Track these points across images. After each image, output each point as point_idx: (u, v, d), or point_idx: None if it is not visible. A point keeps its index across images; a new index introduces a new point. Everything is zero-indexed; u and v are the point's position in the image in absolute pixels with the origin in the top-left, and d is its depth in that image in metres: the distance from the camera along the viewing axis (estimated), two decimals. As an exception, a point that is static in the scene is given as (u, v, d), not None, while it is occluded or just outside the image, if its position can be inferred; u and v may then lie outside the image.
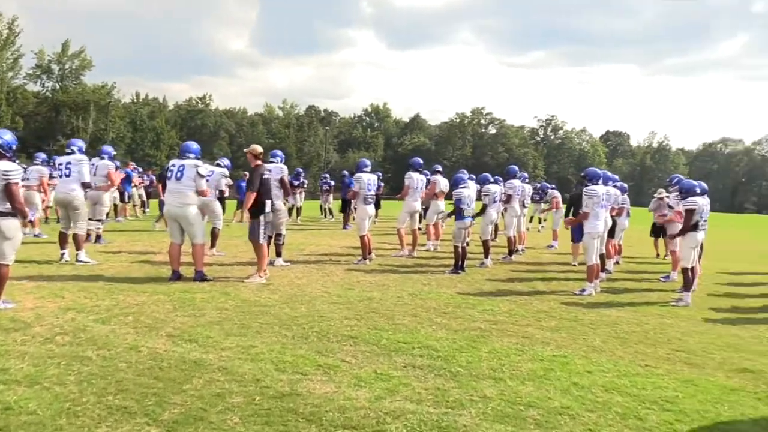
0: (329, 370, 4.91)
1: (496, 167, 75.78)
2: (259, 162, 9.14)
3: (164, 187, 9.89)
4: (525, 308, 7.90)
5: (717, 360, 5.93)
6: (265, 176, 9.08)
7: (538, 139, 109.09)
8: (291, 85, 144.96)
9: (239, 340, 5.67)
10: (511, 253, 13.08)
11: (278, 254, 10.52)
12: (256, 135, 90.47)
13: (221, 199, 22.64)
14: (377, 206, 22.23)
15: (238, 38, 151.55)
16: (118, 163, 21.47)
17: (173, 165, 8.66)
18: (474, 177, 14.03)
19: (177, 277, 8.52)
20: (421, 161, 13.57)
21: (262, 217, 8.92)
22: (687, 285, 8.85)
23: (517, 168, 14.45)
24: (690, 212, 8.90)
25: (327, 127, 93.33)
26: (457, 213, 10.82)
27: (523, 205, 14.46)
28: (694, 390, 4.97)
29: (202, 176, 8.53)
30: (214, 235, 11.68)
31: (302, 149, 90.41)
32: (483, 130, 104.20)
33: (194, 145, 8.93)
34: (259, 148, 9.42)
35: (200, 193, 8.57)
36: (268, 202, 9.00)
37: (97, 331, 5.73)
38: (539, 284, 9.96)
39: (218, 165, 12.25)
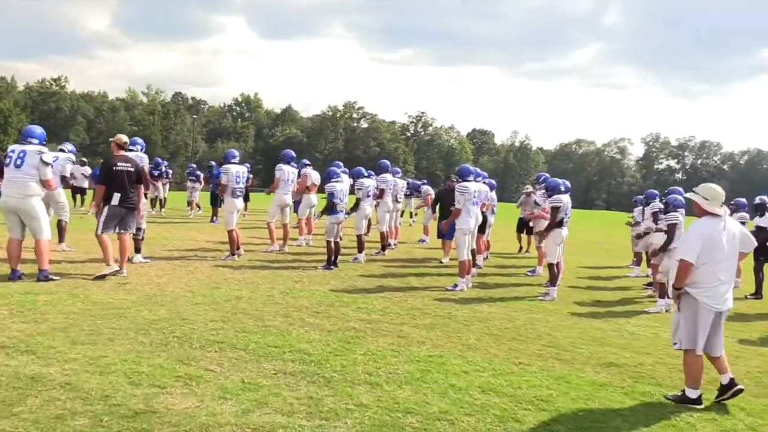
0: (191, 381, 4.45)
1: (368, 161, 76.30)
2: (121, 152, 8.58)
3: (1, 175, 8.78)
4: (399, 305, 7.75)
5: (585, 355, 6.05)
6: (117, 167, 8.40)
7: (409, 134, 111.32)
8: (157, 71, 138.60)
9: (87, 349, 5.03)
10: (384, 248, 13.01)
11: (137, 250, 9.71)
12: (117, 121, 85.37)
13: (78, 189, 21.06)
14: (246, 199, 21.50)
15: (98, 17, 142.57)
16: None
17: (12, 151, 7.68)
18: (347, 170, 13.80)
19: (17, 276, 7.58)
20: (294, 154, 13.10)
21: (106, 208, 8.36)
22: (553, 280, 9.11)
23: (389, 162, 14.39)
24: (555, 209, 9.16)
25: (195, 116, 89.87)
26: (330, 207, 10.54)
27: (396, 200, 14.45)
28: (566, 387, 5.00)
29: (46, 164, 7.62)
30: (61, 228, 10.62)
31: (168, 137, 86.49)
32: (355, 124, 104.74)
33: (38, 130, 7.98)
34: (123, 138, 8.82)
35: (44, 183, 7.67)
36: (116, 195, 8.35)
37: None
38: (413, 280, 9.90)
39: (62, 150, 11.11)
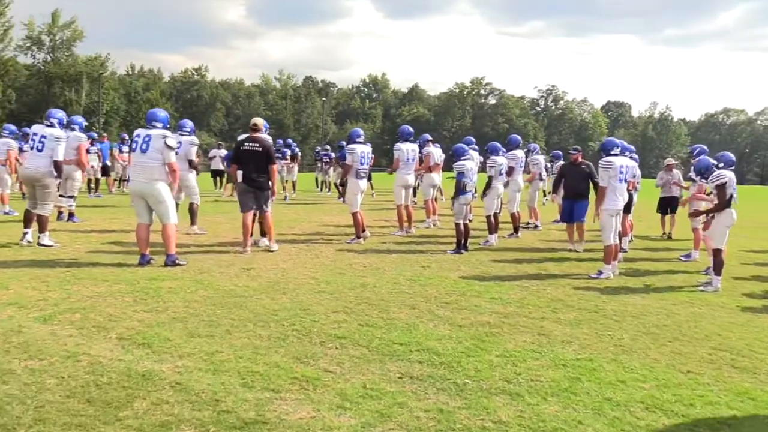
0: (308, 385, 4.00)
1: (496, 138, 74.22)
2: (254, 134, 8.95)
3: None
4: (538, 296, 6.99)
5: (768, 362, 5.03)
6: (243, 147, 8.73)
7: (539, 109, 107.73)
8: (288, 57, 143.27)
9: (204, 343, 4.75)
10: (516, 230, 12.16)
11: (262, 233, 9.58)
12: (252, 107, 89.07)
13: (216, 172, 21.80)
14: (368, 179, 21.33)
15: (234, 9, 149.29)
16: (95, 135, 20.50)
17: (138, 135, 7.66)
18: (477, 147, 13.05)
19: (146, 261, 7.59)
20: (411, 129, 12.44)
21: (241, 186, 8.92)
22: (718, 268, 7.92)
23: (519, 138, 13.44)
24: (722, 186, 7.94)
25: (324, 99, 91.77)
26: (459, 187, 9.86)
27: (540, 178, 13.58)
28: (752, 406, 4.07)
29: (171, 148, 7.54)
30: (192, 211, 10.73)
31: (300, 121, 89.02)
32: (483, 101, 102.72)
33: (161, 113, 7.92)
34: (255, 120, 9.20)
35: (169, 167, 7.59)
36: (240, 173, 8.81)
37: (34, 334, 4.80)
38: (550, 266, 9.04)
39: (181, 133, 11.00)
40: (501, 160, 11.19)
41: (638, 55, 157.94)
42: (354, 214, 10.34)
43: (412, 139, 12.13)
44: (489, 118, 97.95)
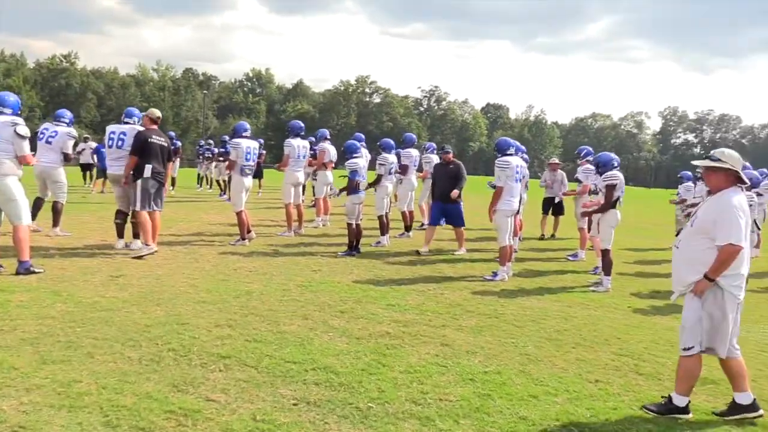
0: (186, 419, 3.38)
1: (381, 136, 74.56)
2: (154, 126, 8.49)
3: None
4: (436, 301, 6.66)
5: (669, 367, 4.93)
6: (152, 140, 8.20)
7: (422, 109, 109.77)
8: (167, 47, 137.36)
9: (58, 370, 3.98)
10: (408, 229, 11.91)
11: (135, 235, 8.67)
12: (127, 98, 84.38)
13: (86, 166, 20.07)
14: (259, 176, 20.50)
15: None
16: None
17: None
18: (365, 144, 12.66)
19: (-8, 270, 6.57)
20: (302, 124, 11.86)
21: (139, 182, 8.17)
22: (607, 268, 7.97)
23: (414, 136, 13.22)
24: (611, 188, 8.00)
25: (206, 92, 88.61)
26: (351, 186, 9.41)
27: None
28: (667, 419, 3.89)
29: (22, 137, 6.53)
30: (56, 210, 9.56)
31: (179, 114, 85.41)
32: (367, 99, 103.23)
33: (11, 97, 6.84)
34: (157, 112, 8.63)
35: (21, 159, 6.58)
36: (148, 167, 8.13)
37: None
38: (445, 267, 8.79)
39: (57, 123, 9.88)
40: (392, 158, 10.88)
41: (514, 60, 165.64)
42: (238, 214, 9.61)
43: (303, 134, 11.53)
44: (374, 116, 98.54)
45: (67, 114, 9.84)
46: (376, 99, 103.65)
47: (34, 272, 6.57)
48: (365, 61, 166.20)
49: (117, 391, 3.70)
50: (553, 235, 13.28)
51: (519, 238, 11.24)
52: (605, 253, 7.99)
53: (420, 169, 12.68)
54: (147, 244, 8.09)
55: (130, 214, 8.64)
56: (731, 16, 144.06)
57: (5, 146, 6.42)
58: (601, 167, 8.34)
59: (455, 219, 10.26)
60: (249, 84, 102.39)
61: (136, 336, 4.75)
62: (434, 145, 14.34)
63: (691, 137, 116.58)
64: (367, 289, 7.02)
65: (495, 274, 8.15)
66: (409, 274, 8.09)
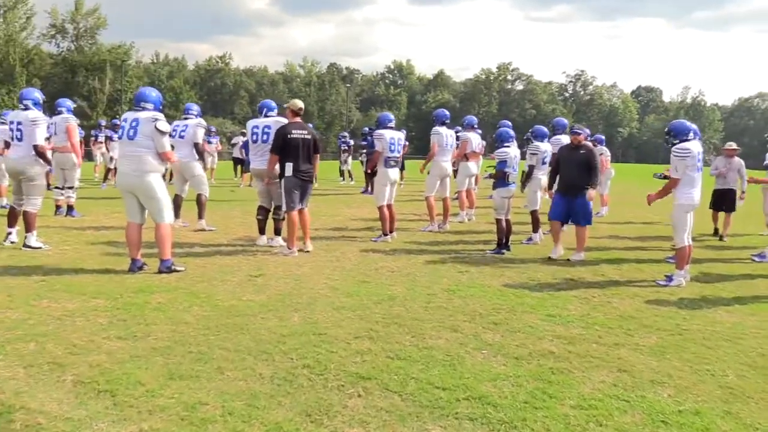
0: (319, 462, 2.86)
1: (523, 124, 72.68)
2: (297, 119, 7.97)
3: None
4: (604, 312, 5.75)
5: None
6: (292, 135, 7.71)
7: (567, 95, 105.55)
8: (312, 44, 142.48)
9: (185, 388, 3.61)
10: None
11: (276, 231, 8.46)
12: (276, 94, 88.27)
13: (238, 160, 20.79)
14: (402, 168, 20.17)
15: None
16: (110, 122, 19.43)
17: (125, 119, 6.54)
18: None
19: (137, 267, 6.50)
20: (447, 113, 11.20)
21: (282, 182, 7.82)
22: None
23: (566, 121, 12.07)
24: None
25: (348, 85, 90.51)
26: (501, 178, 8.62)
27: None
28: None
29: (162, 133, 6.39)
30: (200, 203, 9.63)
31: (324, 108, 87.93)
32: (510, 86, 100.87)
33: (153, 93, 6.70)
34: (299, 103, 8.10)
35: (162, 156, 6.47)
36: (289, 165, 7.69)
37: (-37, 375, 3.72)
38: (608, 269, 7.77)
39: (186, 117, 9.86)
40: (545, 147, 9.88)
41: (668, 39, 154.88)
42: (380, 208, 9.16)
43: (448, 123, 10.88)
44: (516, 104, 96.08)
45: (194, 107, 9.93)
46: (519, 86, 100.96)
47: (175, 270, 6.45)
48: (508, 47, 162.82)
49: (244, 419, 3.24)
50: (722, 237, 11.35)
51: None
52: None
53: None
54: (290, 248, 7.80)
55: (272, 210, 8.43)
56: None
57: (146, 142, 6.31)
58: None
59: (580, 216, 8.35)
60: (390, 76, 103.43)
61: (269, 348, 4.33)
62: (588, 130, 13.13)
63: None
64: (522, 294, 6.23)
65: (670, 278, 7.03)
66: (567, 277, 7.19)
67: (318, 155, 8.00)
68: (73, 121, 9.94)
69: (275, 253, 7.83)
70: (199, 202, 9.59)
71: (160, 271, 6.39)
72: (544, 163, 9.80)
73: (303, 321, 5.01)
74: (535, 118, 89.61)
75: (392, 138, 9.15)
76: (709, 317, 5.73)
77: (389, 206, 9.25)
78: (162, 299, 5.46)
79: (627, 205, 16.36)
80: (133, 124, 6.31)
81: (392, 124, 9.42)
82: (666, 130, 7.42)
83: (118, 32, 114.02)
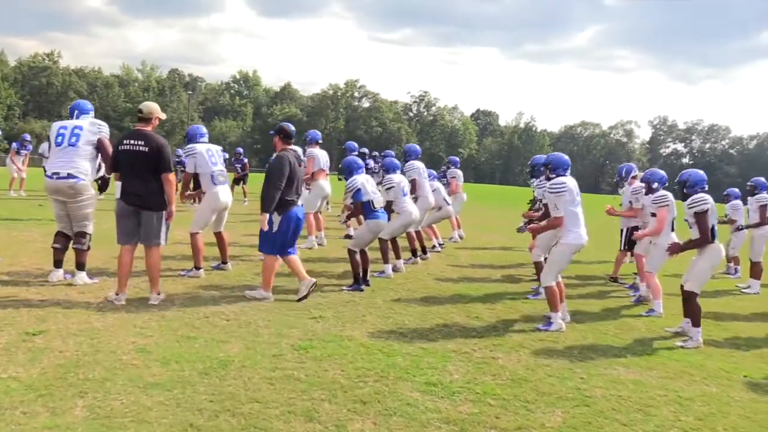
0: None
1: (369, 141, 72.97)
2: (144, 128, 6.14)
3: None
4: (491, 372, 4.66)
5: None
6: (123, 147, 6.00)
7: (411, 114, 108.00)
8: (154, 49, 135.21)
9: None
10: (415, 253, 9.79)
11: (79, 265, 6.62)
12: (111, 98, 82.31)
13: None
14: (243, 181, 18.69)
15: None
16: None
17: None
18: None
19: None
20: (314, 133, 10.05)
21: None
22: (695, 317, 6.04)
23: (418, 147, 11.19)
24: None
25: (191, 92, 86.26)
26: (366, 208, 7.44)
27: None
28: None
29: None
30: None
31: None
32: (356, 103, 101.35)
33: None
34: (152, 107, 6.30)
35: None
36: (118, 185, 6.03)
37: None
38: (481, 309, 6.77)
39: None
40: (398, 179, 8.73)
41: (502, 67, 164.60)
42: (193, 236, 7.39)
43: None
44: (363, 121, 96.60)
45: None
46: (365, 103, 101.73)
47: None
48: (354, 65, 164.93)
49: None
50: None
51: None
52: (692, 297, 6.07)
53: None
54: (117, 293, 6.02)
55: (73, 237, 6.62)
56: (714, 27, 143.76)
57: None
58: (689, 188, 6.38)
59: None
60: (236, 86, 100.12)
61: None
62: (458, 159, 12.51)
63: (680, 147, 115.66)
64: (391, 351, 5.01)
65: (549, 322, 6.19)
66: (440, 322, 6.11)
67: (167, 174, 6.05)
68: None
69: (69, 297, 6.03)
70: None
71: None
72: (404, 194, 8.64)
73: (89, 415, 3.42)
74: (381, 135, 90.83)
75: (208, 150, 7.58)
76: (608, 376, 4.85)
77: (219, 234, 7.68)
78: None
79: (480, 228, 15.92)
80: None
81: (205, 139, 7.81)
82: (544, 161, 6.64)
83: None
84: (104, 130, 6.67)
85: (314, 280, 6.67)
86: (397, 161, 9.15)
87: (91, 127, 6.53)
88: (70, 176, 6.34)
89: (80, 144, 6.42)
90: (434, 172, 11.55)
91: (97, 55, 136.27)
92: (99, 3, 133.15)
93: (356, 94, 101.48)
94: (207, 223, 7.47)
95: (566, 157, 6.55)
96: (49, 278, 6.56)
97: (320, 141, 10.91)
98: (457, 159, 13.90)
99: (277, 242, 6.51)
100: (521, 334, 5.88)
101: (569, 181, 6.19)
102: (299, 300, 6.47)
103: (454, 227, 12.95)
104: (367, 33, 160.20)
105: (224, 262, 7.87)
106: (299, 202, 6.72)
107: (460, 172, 13.29)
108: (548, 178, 6.46)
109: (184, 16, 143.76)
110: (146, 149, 5.89)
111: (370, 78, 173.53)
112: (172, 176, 6.15)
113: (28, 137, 19.36)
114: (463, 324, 6.11)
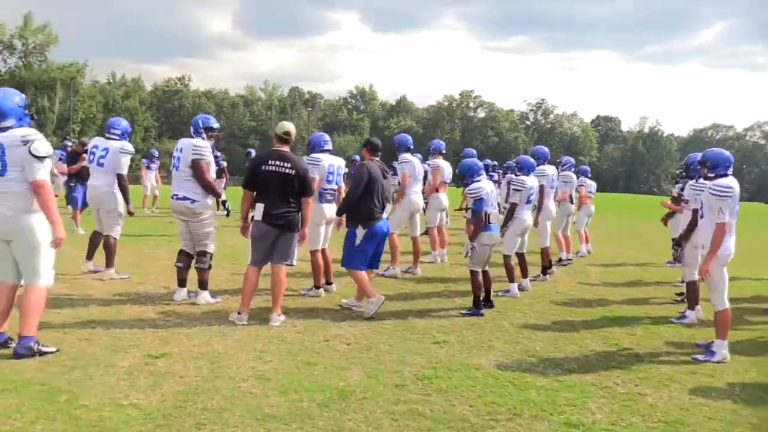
0: None
1: (485, 152, 71.93)
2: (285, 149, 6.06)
3: None
4: (639, 412, 4.08)
5: None
6: (268, 168, 5.85)
7: (528, 123, 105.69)
8: (275, 69, 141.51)
9: None
10: (544, 270, 9.21)
11: (202, 284, 6.64)
12: (236, 117, 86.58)
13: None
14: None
15: (222, 20, 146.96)
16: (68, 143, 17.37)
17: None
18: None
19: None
20: (410, 138, 9.72)
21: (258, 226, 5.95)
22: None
23: (546, 150, 10.49)
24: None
25: (310, 109, 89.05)
26: (480, 220, 6.90)
27: (571, 201, 10.82)
28: None
29: (37, 158, 4.51)
30: (108, 247, 7.58)
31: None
32: (472, 114, 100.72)
33: (12, 98, 4.75)
34: (285, 126, 6.18)
35: (33, 186, 4.51)
36: (259, 207, 5.86)
37: None
38: (619, 334, 6.13)
39: (109, 135, 7.90)
40: (531, 182, 8.21)
41: (622, 71, 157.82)
42: (313, 254, 7.29)
43: (412, 148, 9.36)
44: (479, 131, 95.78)
45: (120, 124, 7.84)
46: (481, 113, 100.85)
47: (40, 353, 4.57)
48: (468, 76, 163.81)
49: None
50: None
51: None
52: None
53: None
54: (239, 312, 5.91)
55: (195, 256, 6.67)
56: None
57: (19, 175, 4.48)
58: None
59: None
60: (353, 101, 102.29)
61: None
62: (572, 159, 11.73)
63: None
64: (524, 383, 4.55)
65: (710, 351, 5.49)
66: (573, 347, 5.58)
67: (309, 198, 6.03)
68: None
69: (191, 317, 6.04)
70: (107, 246, 7.64)
71: (16, 354, 4.52)
72: (529, 201, 8.16)
73: (205, 450, 3.26)
74: (497, 146, 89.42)
75: (331, 165, 7.43)
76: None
77: (323, 251, 7.47)
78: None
79: (608, 241, 14.97)
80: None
81: (329, 146, 7.55)
82: (701, 159, 5.92)
83: (73, 50, 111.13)
84: (202, 152, 6.58)
85: (383, 297, 6.40)
86: (533, 160, 8.62)
87: (191, 149, 6.53)
88: (185, 198, 6.43)
89: (182, 167, 6.49)
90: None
91: (223, 78, 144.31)
92: (224, 27, 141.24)
93: (471, 104, 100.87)
94: (321, 238, 7.31)
95: (727, 153, 5.80)
96: (173, 297, 6.64)
97: (444, 151, 10.58)
98: (587, 168, 13.12)
99: (359, 256, 6.43)
100: (669, 366, 5.22)
101: (734, 183, 5.46)
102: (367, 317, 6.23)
103: (582, 241, 12.23)
104: (480, 42, 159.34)
105: (328, 282, 7.62)
106: (384, 215, 6.60)
107: (590, 182, 12.54)
108: (706, 178, 5.74)
109: (303, 37, 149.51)
110: (293, 172, 5.83)
111: (484, 88, 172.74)
112: (311, 200, 6.13)
113: (155, 152, 20.35)
114: (600, 351, 5.54)
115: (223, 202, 7.30)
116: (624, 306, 7.60)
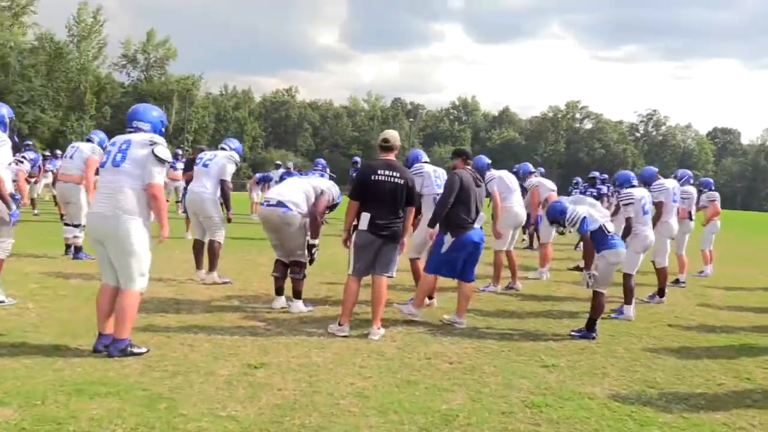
0: None
1: (591, 164, 69.39)
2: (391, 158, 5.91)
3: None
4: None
5: None
6: (377, 177, 5.71)
7: (638, 134, 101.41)
8: (378, 80, 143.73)
9: None
10: (661, 292, 8.55)
11: (296, 294, 6.60)
12: (340, 127, 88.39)
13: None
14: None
15: (329, 33, 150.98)
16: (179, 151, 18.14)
17: (113, 143, 4.89)
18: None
19: (103, 346, 4.68)
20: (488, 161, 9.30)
21: (354, 234, 5.89)
22: None
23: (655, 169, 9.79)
24: None
25: (412, 120, 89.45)
26: (602, 235, 6.44)
27: (690, 217, 10.12)
28: None
29: (161, 161, 4.69)
30: (212, 251, 7.77)
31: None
32: (578, 125, 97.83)
33: (153, 112, 5.05)
34: (393, 136, 6.12)
35: (149, 189, 4.65)
36: (366, 216, 5.72)
37: None
38: (750, 366, 5.54)
39: (222, 148, 8.39)
40: (639, 193, 7.75)
41: (743, 80, 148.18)
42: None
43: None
44: (584, 143, 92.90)
45: (233, 143, 8.56)
46: (588, 125, 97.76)
47: (134, 354, 4.61)
48: (575, 86, 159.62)
49: None
50: None
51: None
52: None
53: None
54: (340, 324, 5.75)
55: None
56: None
57: (134, 171, 4.65)
58: None
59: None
60: (455, 112, 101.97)
61: None
62: (689, 173, 10.98)
63: None
64: (644, 419, 4.11)
65: None
66: (698, 379, 5.05)
67: (413, 207, 5.95)
68: (98, 156, 8.41)
69: (291, 326, 5.97)
70: (211, 249, 7.78)
71: (110, 355, 4.56)
72: (645, 212, 7.69)
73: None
74: (604, 158, 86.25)
75: (435, 170, 7.37)
76: None
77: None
78: (100, 410, 3.63)
79: (730, 262, 13.89)
80: (123, 146, 4.65)
81: (426, 159, 7.77)
82: None
83: (190, 64, 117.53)
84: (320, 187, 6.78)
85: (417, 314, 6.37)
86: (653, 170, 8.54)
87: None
88: (279, 204, 6.36)
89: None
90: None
91: (328, 89, 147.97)
92: (331, 40, 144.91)
93: (578, 115, 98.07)
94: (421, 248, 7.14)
95: None
96: (272, 305, 6.63)
97: (532, 170, 10.70)
98: (711, 180, 12.32)
99: (444, 263, 6.26)
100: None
101: None
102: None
103: (706, 261, 11.43)
104: (588, 52, 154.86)
105: (430, 297, 7.35)
106: (477, 225, 6.35)
107: (716, 195, 11.72)
108: None
109: (407, 48, 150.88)
110: (402, 181, 5.74)
111: (592, 98, 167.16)
112: (413, 209, 6.03)
113: (270, 177, 19.79)
114: (730, 387, 4.98)
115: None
116: (753, 334, 6.89)
